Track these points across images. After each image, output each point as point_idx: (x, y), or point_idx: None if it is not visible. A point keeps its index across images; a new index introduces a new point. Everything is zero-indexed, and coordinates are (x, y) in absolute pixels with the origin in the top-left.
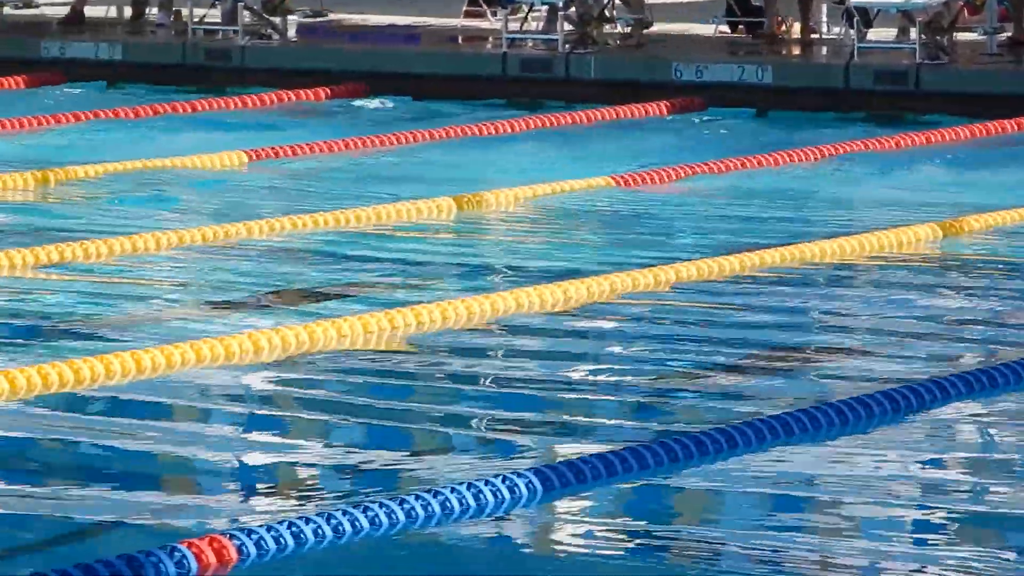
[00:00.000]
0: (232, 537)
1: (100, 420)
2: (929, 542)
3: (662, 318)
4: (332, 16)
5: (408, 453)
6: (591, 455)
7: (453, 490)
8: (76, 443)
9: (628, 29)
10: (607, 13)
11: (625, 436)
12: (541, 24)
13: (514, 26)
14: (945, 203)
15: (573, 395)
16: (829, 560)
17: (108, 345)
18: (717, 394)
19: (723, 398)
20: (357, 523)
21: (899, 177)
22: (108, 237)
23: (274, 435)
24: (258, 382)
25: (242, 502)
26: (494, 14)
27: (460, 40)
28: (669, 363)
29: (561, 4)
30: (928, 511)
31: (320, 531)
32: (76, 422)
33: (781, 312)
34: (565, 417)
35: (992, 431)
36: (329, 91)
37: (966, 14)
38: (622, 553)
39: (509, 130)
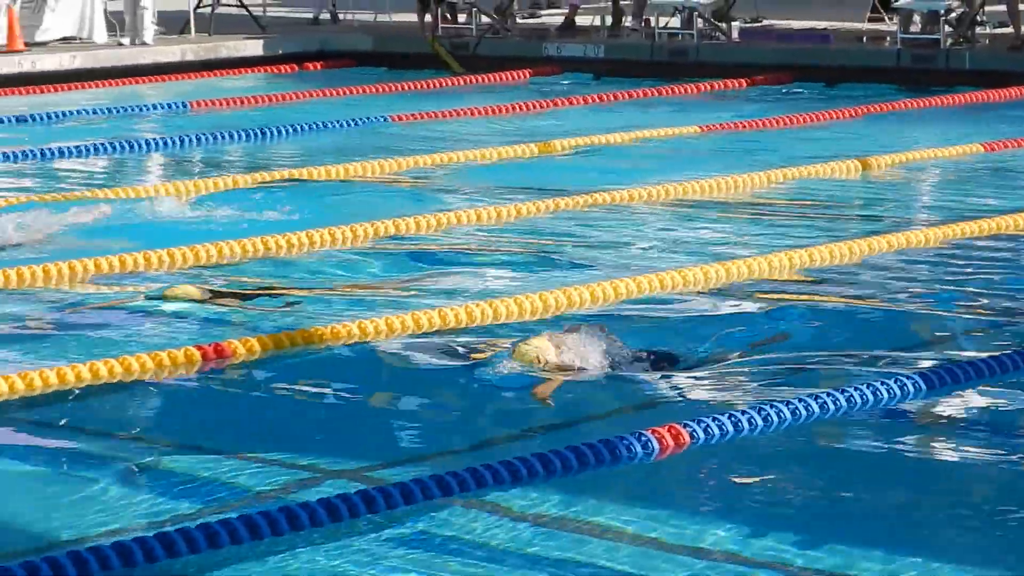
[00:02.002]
0: (685, 425)
1: None
2: None
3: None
4: (766, 21)
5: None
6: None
7: (856, 388)
8: None
9: (995, 30)
10: (979, 19)
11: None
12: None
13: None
14: None
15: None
16: None
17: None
18: None
19: None
20: (781, 414)
21: None
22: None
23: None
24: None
25: (689, 397)
26: (891, 18)
27: (864, 39)
28: None
29: (943, 11)
30: None
31: (753, 420)
32: None
33: None
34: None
35: None
36: (763, 79)
37: None
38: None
39: (902, 108)
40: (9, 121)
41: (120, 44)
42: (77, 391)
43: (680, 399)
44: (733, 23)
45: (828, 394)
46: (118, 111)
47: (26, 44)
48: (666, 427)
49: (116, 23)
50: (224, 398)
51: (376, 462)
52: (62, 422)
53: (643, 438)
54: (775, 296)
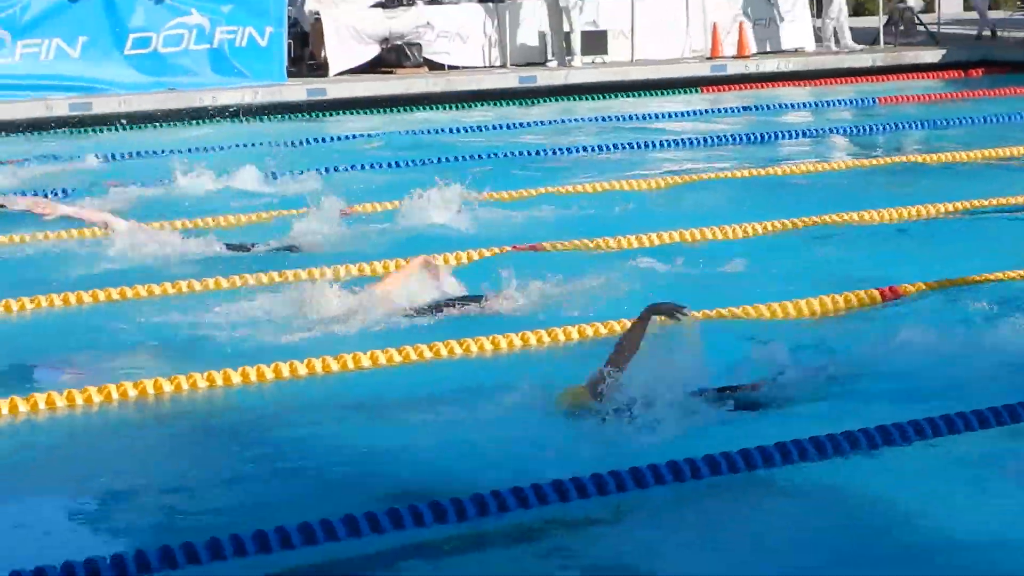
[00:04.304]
0: None
1: None
2: None
3: None
4: None
5: None
6: None
7: None
8: None
9: None
10: None
11: None
12: None
13: None
14: None
15: None
16: None
17: None
18: None
19: None
20: None
21: None
22: None
23: None
24: None
25: None
26: None
27: None
28: None
29: None
30: None
31: None
32: None
33: None
34: None
35: None
36: None
37: None
38: None
39: None
40: (734, 111)
41: (826, 51)
42: None
43: None
44: None
45: None
46: (818, 105)
47: (751, 54)
48: None
49: (820, 35)
50: None
51: None
52: None
53: None
54: None
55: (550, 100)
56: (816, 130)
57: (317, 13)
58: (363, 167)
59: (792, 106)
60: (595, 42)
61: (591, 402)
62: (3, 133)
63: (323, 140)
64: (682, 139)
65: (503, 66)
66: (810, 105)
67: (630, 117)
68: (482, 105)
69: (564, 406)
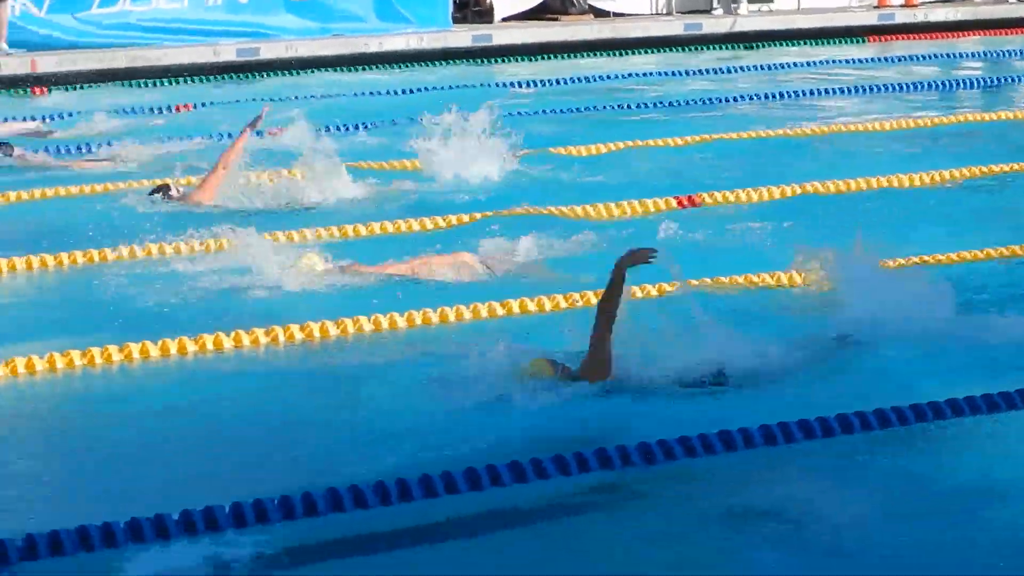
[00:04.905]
0: None
1: None
2: None
3: None
4: None
5: None
6: None
7: None
8: None
9: None
10: None
11: None
12: None
13: None
14: None
15: None
16: None
17: None
18: None
19: None
20: None
21: None
22: None
23: None
24: None
25: None
26: None
27: None
28: None
29: None
30: None
31: None
32: None
33: None
34: None
35: None
36: None
37: None
38: None
39: None
40: (903, 60)
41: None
42: None
43: None
44: None
45: None
46: (988, 55)
47: (920, 3)
48: None
49: None
50: None
51: None
52: None
53: None
54: None
55: (715, 48)
56: (986, 80)
57: None
58: (528, 114)
59: (961, 56)
60: None
61: (552, 376)
62: (171, 79)
63: (488, 86)
64: (848, 88)
65: (668, 14)
66: (980, 55)
67: (795, 66)
68: (647, 52)
69: (528, 375)
